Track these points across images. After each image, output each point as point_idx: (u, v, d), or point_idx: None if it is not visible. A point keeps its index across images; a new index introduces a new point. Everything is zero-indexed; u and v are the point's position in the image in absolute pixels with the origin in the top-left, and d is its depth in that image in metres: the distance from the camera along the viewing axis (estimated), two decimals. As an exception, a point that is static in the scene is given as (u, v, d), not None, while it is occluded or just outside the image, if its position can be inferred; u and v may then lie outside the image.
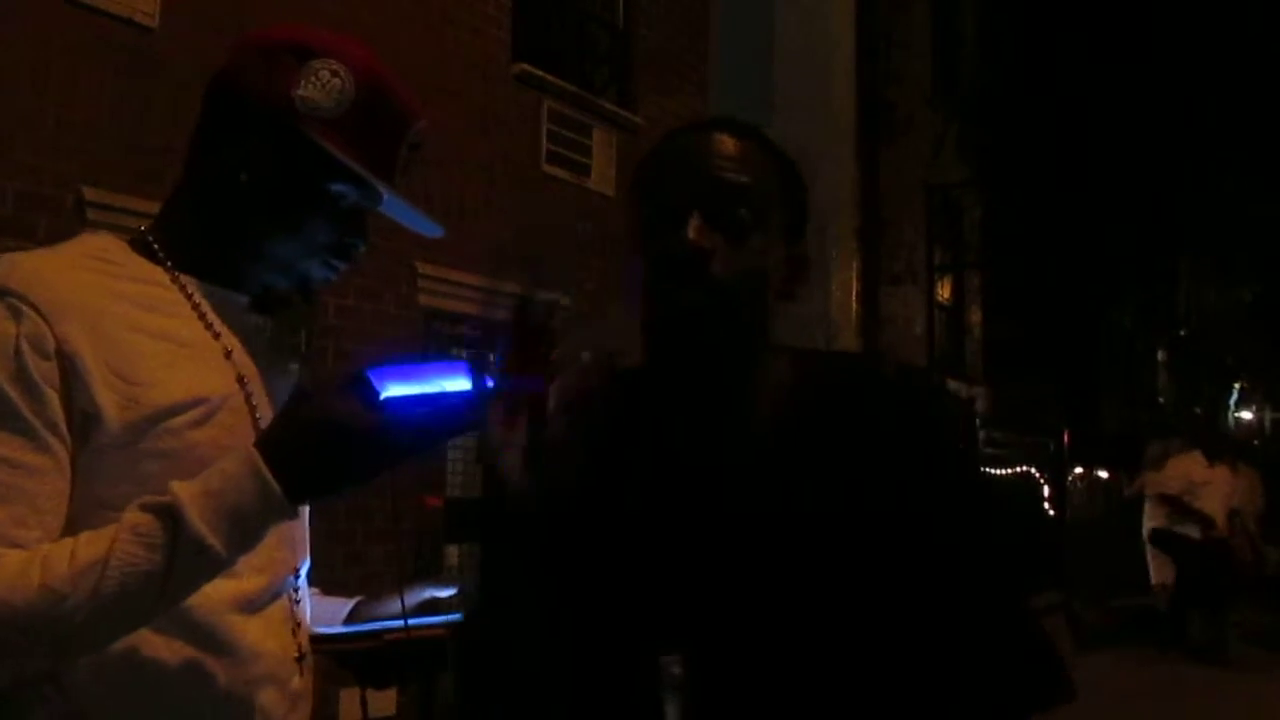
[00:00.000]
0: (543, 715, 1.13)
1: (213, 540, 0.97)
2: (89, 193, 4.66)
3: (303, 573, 1.26)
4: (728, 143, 1.07)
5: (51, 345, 1.04)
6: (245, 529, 0.99)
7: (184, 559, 0.97)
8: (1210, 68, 13.76)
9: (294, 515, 1.02)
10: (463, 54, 6.66)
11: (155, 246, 1.20)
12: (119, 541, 0.97)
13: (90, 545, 0.97)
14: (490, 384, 1.04)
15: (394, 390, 1.00)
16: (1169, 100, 13.68)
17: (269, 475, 0.99)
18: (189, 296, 1.18)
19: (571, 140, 7.39)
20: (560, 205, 7.21)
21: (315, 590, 1.36)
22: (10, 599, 0.94)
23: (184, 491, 0.98)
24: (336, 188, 1.21)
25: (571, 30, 7.83)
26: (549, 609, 1.12)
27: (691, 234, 1.02)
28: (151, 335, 1.12)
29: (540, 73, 7.14)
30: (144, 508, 0.98)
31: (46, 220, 4.66)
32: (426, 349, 6.39)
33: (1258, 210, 15.21)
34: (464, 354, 6.89)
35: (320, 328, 5.70)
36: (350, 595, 1.48)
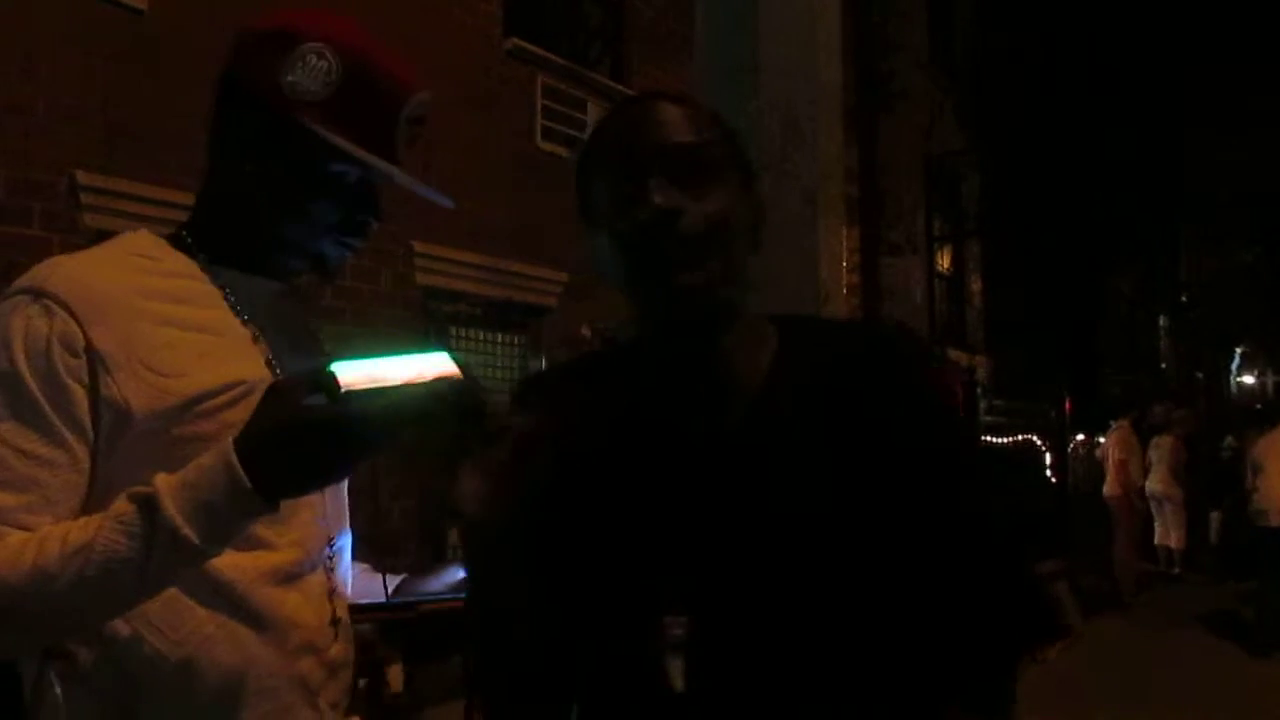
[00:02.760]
0: (547, 686, 1.15)
1: (187, 530, 0.99)
2: (82, 177, 4.65)
3: (341, 543, 1.30)
4: (666, 109, 1.09)
5: (81, 343, 1.10)
6: (219, 522, 1.01)
7: (161, 547, 1.00)
8: (1208, 32, 13.67)
9: (270, 510, 1.03)
10: (455, 30, 6.63)
11: (189, 240, 1.25)
12: (104, 528, 1.01)
13: (81, 530, 1.02)
14: (463, 373, 1.04)
15: (357, 384, 1.01)
16: (1168, 64, 13.60)
17: (240, 472, 1.00)
18: (221, 287, 1.23)
19: (566, 115, 7.36)
20: (557, 181, 7.19)
21: (366, 566, 1.42)
22: (5, 575, 1.00)
23: (163, 482, 1.01)
24: (336, 169, 1.23)
25: (564, 4, 7.79)
26: (542, 582, 1.14)
27: (657, 198, 1.03)
28: (184, 327, 1.17)
29: (533, 48, 7.11)
30: (129, 497, 1.02)
31: (40, 205, 4.65)
32: (425, 328, 6.39)
33: (1257, 173, 15.16)
34: (458, 333, 6.88)
35: (319, 309, 5.70)
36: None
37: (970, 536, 1.10)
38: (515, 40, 6.99)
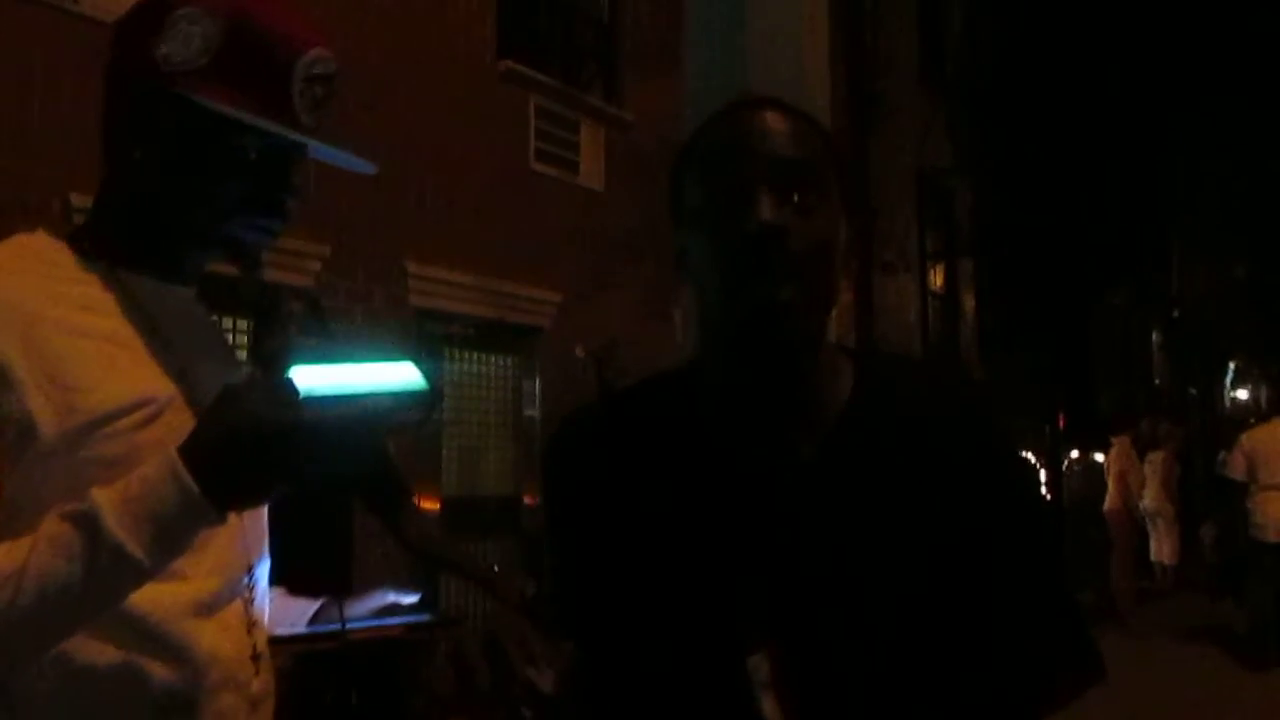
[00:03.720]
0: None
1: (132, 547, 0.93)
2: (76, 199, 4.65)
3: (259, 572, 1.21)
4: (777, 119, 1.04)
5: None
6: (167, 535, 0.95)
7: (103, 567, 0.93)
8: (1197, 47, 13.76)
9: (219, 520, 0.97)
10: (448, 53, 6.66)
11: (89, 244, 1.15)
12: (36, 552, 0.93)
13: (8, 556, 0.94)
14: (427, 381, 1.01)
15: (317, 388, 0.96)
16: (1157, 80, 13.68)
17: (190, 480, 0.94)
18: (127, 294, 1.13)
19: (559, 137, 7.39)
20: (550, 202, 7.22)
21: (280, 590, 1.32)
22: None
23: (103, 498, 0.94)
24: (232, 141, 1.12)
25: (556, 26, 7.83)
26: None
27: (765, 213, 0.98)
28: (90, 337, 1.07)
29: (526, 70, 7.14)
30: (63, 516, 0.94)
31: (32, 228, 4.65)
32: (418, 348, 6.39)
33: (1247, 188, 15.23)
34: (451, 354, 6.88)
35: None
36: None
37: (1031, 588, 1.11)
38: (508, 63, 7.02)
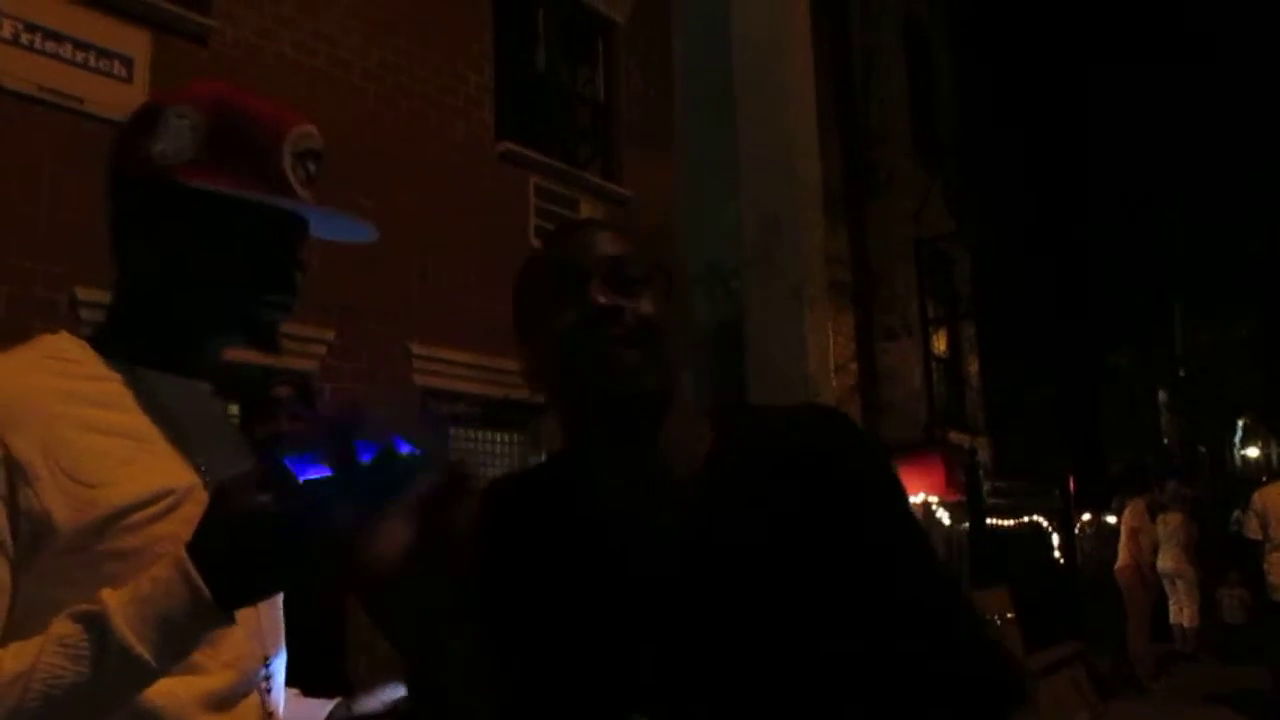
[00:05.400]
0: None
1: (140, 649, 0.93)
2: (82, 293, 4.70)
3: (275, 664, 1.21)
4: (599, 231, 1.19)
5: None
6: (176, 636, 0.96)
7: (110, 668, 0.93)
8: (1193, 108, 13.95)
9: (228, 622, 0.98)
10: (448, 135, 6.77)
11: (110, 344, 1.18)
12: (44, 653, 0.93)
13: (16, 658, 0.94)
14: (422, 454, 1.02)
15: (312, 471, 0.96)
16: (1154, 140, 13.85)
17: (199, 580, 0.95)
18: (147, 390, 1.16)
19: (559, 215, 7.47)
20: (551, 279, 7.27)
21: (295, 691, 1.31)
22: None
23: (112, 599, 0.95)
24: (235, 220, 1.18)
25: (554, 107, 7.96)
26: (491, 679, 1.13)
27: (600, 298, 1.11)
28: (108, 433, 1.09)
29: (525, 150, 7.24)
30: (72, 617, 0.95)
31: (41, 323, 4.69)
32: (422, 427, 6.39)
33: (1247, 247, 15.32)
34: (457, 433, 6.88)
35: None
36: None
37: (921, 602, 1.13)
38: (507, 144, 7.13)
